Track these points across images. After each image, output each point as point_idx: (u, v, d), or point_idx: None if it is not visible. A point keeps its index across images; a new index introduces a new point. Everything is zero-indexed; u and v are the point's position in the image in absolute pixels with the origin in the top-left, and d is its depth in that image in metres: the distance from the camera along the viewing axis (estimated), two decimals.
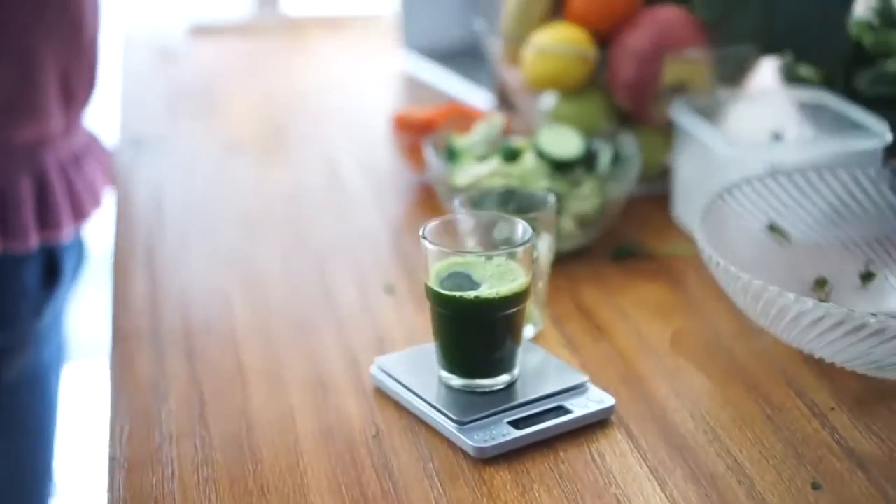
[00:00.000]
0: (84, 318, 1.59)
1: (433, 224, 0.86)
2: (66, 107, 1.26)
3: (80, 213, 1.31)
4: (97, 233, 1.36)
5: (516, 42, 1.18)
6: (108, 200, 1.32)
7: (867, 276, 0.99)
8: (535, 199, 0.95)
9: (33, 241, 1.25)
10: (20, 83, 1.20)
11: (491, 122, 1.13)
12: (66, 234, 1.30)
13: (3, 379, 1.30)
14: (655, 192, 1.18)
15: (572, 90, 1.17)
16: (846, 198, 1.02)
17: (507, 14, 1.19)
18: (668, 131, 1.16)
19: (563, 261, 1.04)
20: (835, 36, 1.15)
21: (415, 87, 1.51)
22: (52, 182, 1.26)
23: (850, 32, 1.16)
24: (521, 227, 0.86)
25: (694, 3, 1.15)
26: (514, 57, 1.20)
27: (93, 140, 1.38)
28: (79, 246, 1.38)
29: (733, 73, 1.17)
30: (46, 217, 1.26)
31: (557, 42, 1.15)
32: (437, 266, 0.84)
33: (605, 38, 1.17)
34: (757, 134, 1.15)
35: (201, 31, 1.69)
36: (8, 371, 1.31)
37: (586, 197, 1.05)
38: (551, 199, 0.94)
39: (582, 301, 1.00)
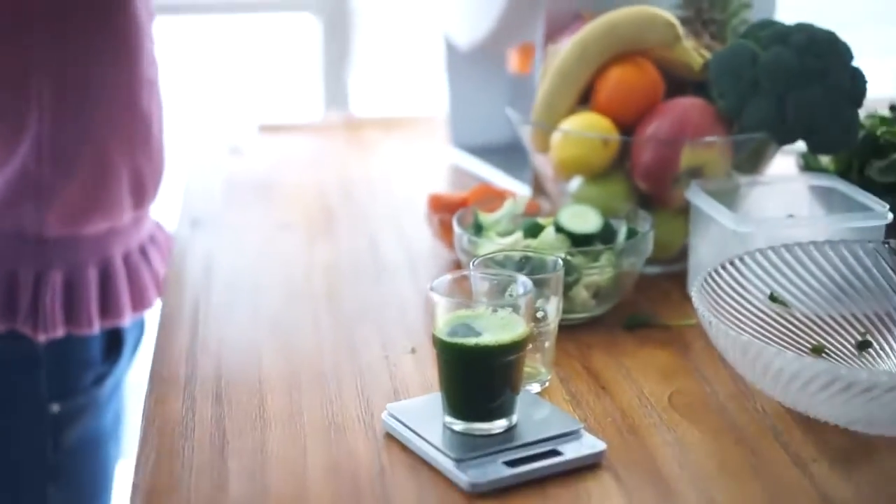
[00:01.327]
0: None
1: (444, 279, 0.94)
2: (135, 203, 1.33)
3: (141, 302, 1.38)
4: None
5: (546, 130, 1.26)
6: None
7: (863, 345, 1.03)
8: (545, 265, 1.01)
9: (95, 328, 1.32)
10: (96, 186, 1.27)
11: (516, 200, 1.21)
12: (126, 322, 1.38)
13: (64, 443, 1.38)
14: (674, 272, 1.24)
15: (596, 174, 1.24)
16: (846, 272, 1.06)
17: (537, 104, 1.27)
18: (685, 214, 1.22)
19: (577, 329, 1.11)
20: (845, 128, 1.20)
21: (459, 176, 1.59)
22: (117, 273, 1.34)
23: (860, 125, 1.22)
24: (522, 283, 0.93)
25: (712, 94, 1.22)
26: (543, 144, 1.28)
27: (158, 229, 1.46)
28: (140, 320, 1.46)
29: (750, 161, 1.23)
30: (109, 306, 1.33)
31: (582, 128, 1.23)
32: (445, 318, 0.91)
33: (628, 126, 1.24)
34: (771, 216, 1.20)
35: (270, 130, 1.81)
36: (69, 436, 1.39)
37: (601, 268, 1.11)
38: (559, 263, 1.00)
39: (590, 364, 1.06)
